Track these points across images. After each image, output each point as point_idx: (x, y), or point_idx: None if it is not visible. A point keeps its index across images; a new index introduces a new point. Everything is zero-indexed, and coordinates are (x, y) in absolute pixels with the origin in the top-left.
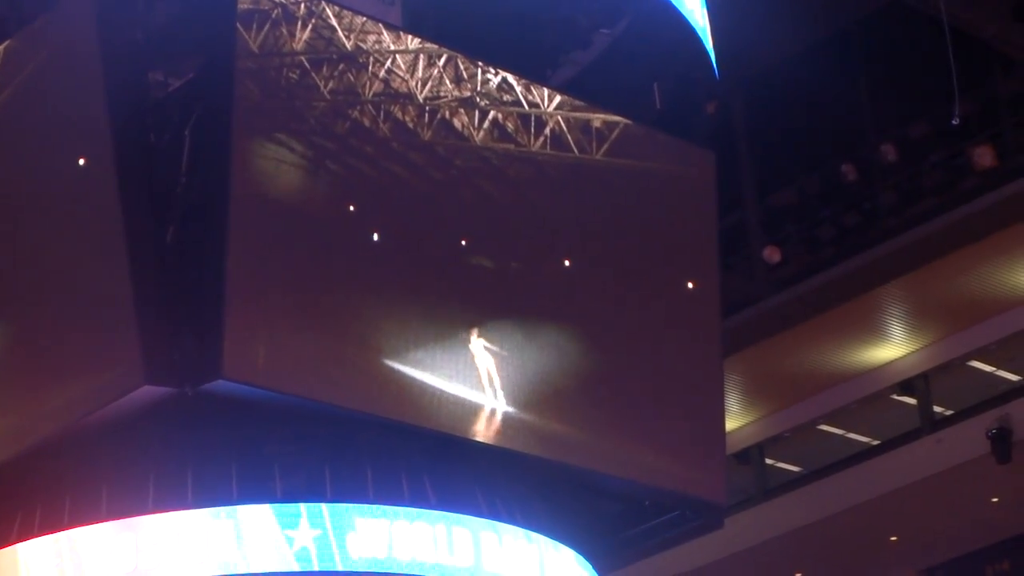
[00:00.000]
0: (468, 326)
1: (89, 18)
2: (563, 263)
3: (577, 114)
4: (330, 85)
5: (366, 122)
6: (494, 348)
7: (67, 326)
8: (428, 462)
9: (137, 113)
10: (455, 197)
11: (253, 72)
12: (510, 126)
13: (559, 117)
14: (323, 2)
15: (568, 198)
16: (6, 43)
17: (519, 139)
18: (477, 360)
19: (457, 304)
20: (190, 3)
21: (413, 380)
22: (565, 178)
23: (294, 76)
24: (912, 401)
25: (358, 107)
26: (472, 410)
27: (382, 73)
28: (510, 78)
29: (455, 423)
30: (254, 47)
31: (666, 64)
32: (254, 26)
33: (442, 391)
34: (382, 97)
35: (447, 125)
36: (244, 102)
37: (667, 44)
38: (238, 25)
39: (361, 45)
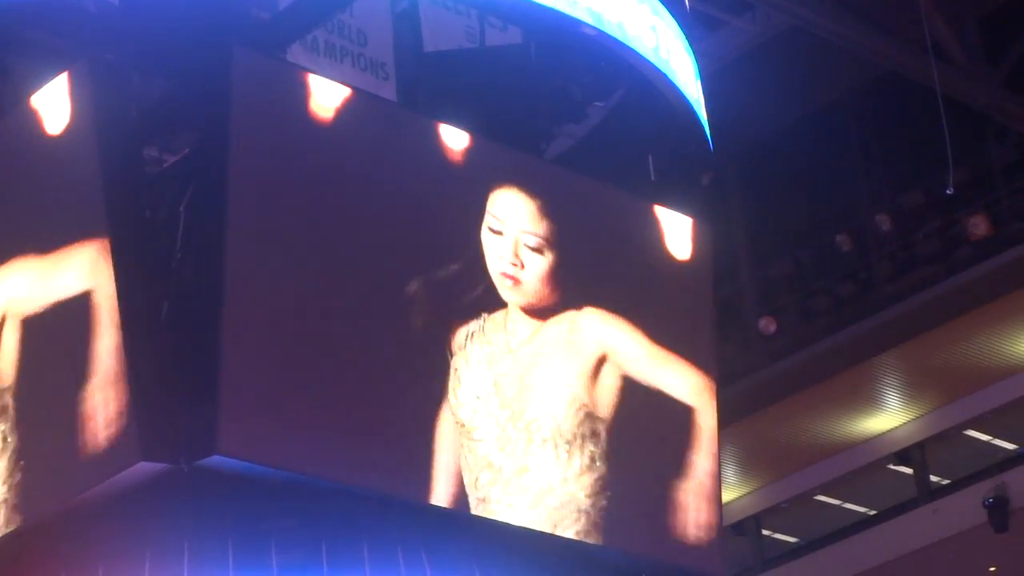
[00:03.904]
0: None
1: (83, 94)
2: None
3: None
4: (329, 161)
5: (367, 197)
6: (491, 424)
7: (61, 403)
8: (424, 536)
9: (132, 189)
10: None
11: (249, 148)
12: None
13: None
14: (319, 78)
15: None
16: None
17: None
18: (476, 436)
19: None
20: (186, 79)
21: (412, 455)
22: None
23: (291, 151)
24: (908, 471)
25: (358, 182)
26: (470, 486)
27: (380, 147)
28: None
29: (454, 499)
30: (250, 123)
31: (660, 136)
32: (250, 102)
33: (440, 466)
34: (384, 171)
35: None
36: (240, 178)
37: (661, 116)
38: (233, 101)
39: (357, 119)
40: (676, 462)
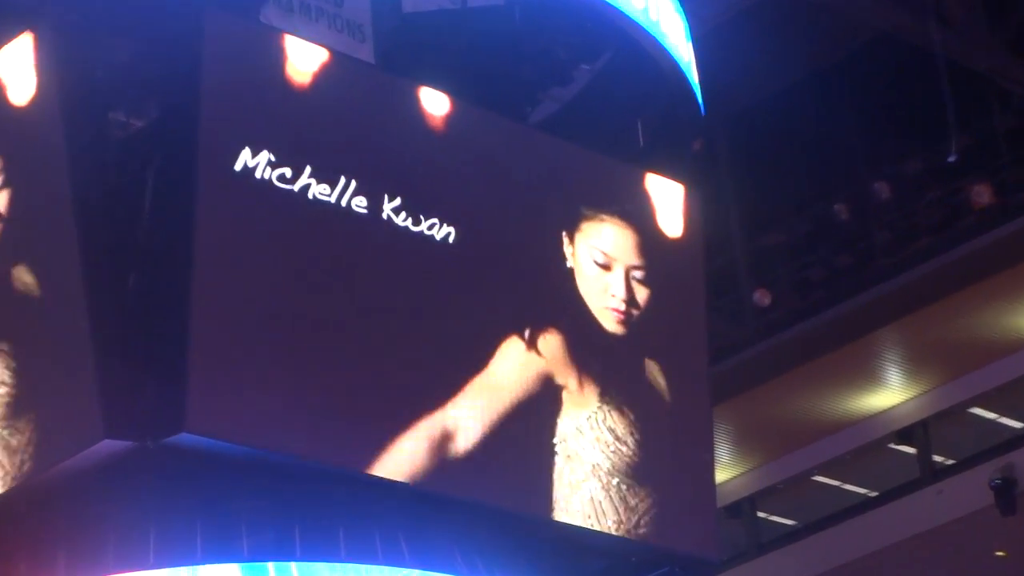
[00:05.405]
0: (444, 376)
1: (48, 56)
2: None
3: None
4: (300, 126)
5: (339, 167)
6: (472, 400)
7: (22, 377)
8: (403, 518)
9: (97, 154)
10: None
11: (219, 113)
12: None
13: None
14: (293, 40)
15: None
16: None
17: None
18: (453, 412)
19: (433, 353)
20: (154, 42)
21: (388, 433)
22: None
23: (262, 117)
24: (911, 450)
25: (331, 151)
26: (451, 464)
27: (355, 116)
28: None
29: (433, 478)
30: (220, 87)
31: (650, 100)
32: (222, 64)
33: (418, 444)
34: (357, 141)
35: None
36: (209, 143)
37: (651, 80)
38: (204, 64)
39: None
40: (673, 445)
